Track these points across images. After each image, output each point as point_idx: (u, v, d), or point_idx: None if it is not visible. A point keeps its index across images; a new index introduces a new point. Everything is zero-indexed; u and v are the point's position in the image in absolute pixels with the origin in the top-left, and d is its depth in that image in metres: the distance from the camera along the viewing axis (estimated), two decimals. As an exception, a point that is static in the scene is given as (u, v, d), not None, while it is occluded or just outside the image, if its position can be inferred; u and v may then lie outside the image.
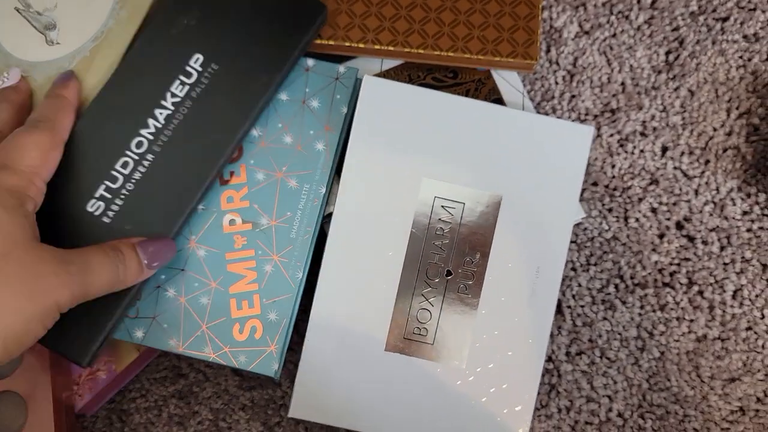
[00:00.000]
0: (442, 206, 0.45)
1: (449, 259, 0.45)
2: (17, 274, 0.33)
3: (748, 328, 0.48)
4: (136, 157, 0.42)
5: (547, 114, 0.52)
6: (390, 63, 0.50)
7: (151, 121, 0.42)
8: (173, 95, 0.42)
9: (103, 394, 0.48)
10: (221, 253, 0.44)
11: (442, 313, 0.45)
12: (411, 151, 0.45)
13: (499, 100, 0.49)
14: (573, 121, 0.52)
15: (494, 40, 0.47)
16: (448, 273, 0.45)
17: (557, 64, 0.53)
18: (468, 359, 0.44)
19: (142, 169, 0.42)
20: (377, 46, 0.47)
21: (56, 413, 0.44)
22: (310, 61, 0.47)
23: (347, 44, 0.47)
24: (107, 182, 0.41)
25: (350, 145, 0.45)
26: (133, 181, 0.41)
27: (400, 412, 0.44)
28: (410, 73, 0.50)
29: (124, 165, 0.41)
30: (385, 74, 0.50)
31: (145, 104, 0.42)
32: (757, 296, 0.49)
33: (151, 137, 0.42)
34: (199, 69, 0.43)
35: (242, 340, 0.43)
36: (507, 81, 0.50)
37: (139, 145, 0.42)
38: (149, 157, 0.42)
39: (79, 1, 0.44)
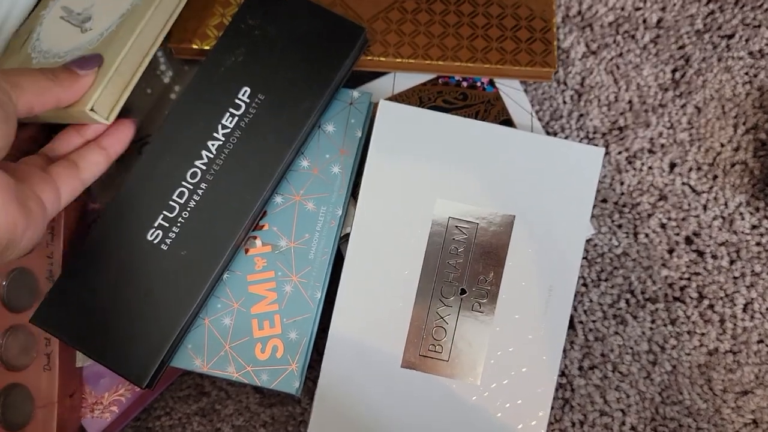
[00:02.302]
0: (457, 226, 0.46)
1: (464, 277, 0.46)
2: None
3: (760, 341, 0.49)
4: (191, 187, 0.44)
5: (555, 133, 0.53)
6: (401, 86, 0.51)
7: (204, 153, 0.44)
8: (224, 126, 0.45)
9: (129, 413, 0.50)
10: (243, 275, 0.46)
11: (456, 330, 0.46)
12: (425, 172, 0.47)
13: (508, 121, 0.51)
14: (581, 139, 0.53)
15: (512, 50, 0.49)
16: (463, 291, 0.46)
17: (565, 84, 0.54)
18: (483, 375, 0.45)
19: (196, 198, 0.44)
20: (398, 59, 0.49)
21: (60, 414, 0.46)
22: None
23: (369, 58, 0.49)
24: (165, 212, 0.44)
25: (367, 167, 0.46)
26: (188, 209, 0.44)
27: (417, 428, 0.45)
28: (421, 96, 0.51)
29: (180, 195, 0.44)
30: (396, 97, 0.51)
31: (199, 138, 0.45)
32: (767, 309, 0.50)
33: (204, 167, 0.44)
34: (247, 100, 0.45)
35: (264, 359, 0.45)
36: (515, 102, 0.51)
37: (193, 175, 0.44)
38: (203, 185, 0.44)
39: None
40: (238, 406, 0.51)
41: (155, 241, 0.43)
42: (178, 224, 0.43)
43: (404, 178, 0.47)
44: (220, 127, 0.45)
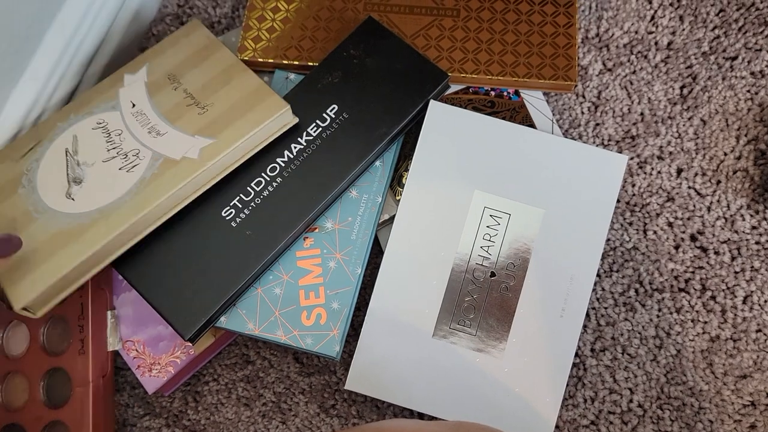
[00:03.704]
0: (491, 215, 0.52)
1: (495, 263, 0.52)
2: None
3: (758, 330, 0.54)
4: (268, 179, 0.51)
5: (574, 139, 0.59)
6: (437, 93, 0.58)
7: (286, 152, 0.52)
8: (308, 134, 0.52)
9: (181, 376, 0.55)
10: (292, 251, 0.52)
11: (484, 309, 0.51)
12: (466, 165, 0.53)
13: (531, 127, 0.57)
14: (597, 146, 0.59)
15: (538, 65, 0.56)
16: (492, 274, 0.51)
17: (583, 96, 0.60)
18: (506, 352, 0.50)
19: (270, 189, 0.51)
20: None
21: (94, 392, 0.52)
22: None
23: None
24: (242, 195, 0.51)
25: (414, 158, 0.53)
26: (261, 197, 0.50)
27: (443, 393, 0.50)
28: (453, 103, 0.57)
29: (258, 183, 0.51)
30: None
31: (287, 139, 0.52)
32: (766, 301, 0.54)
33: (283, 164, 0.51)
34: (333, 116, 0.52)
35: (309, 325, 0.50)
36: (539, 110, 0.57)
37: (272, 169, 0.51)
38: (278, 180, 0.51)
39: (109, 171, 0.50)
40: (280, 374, 0.56)
41: (227, 218, 0.50)
42: (250, 208, 0.50)
43: (447, 169, 0.53)
44: (305, 134, 0.52)
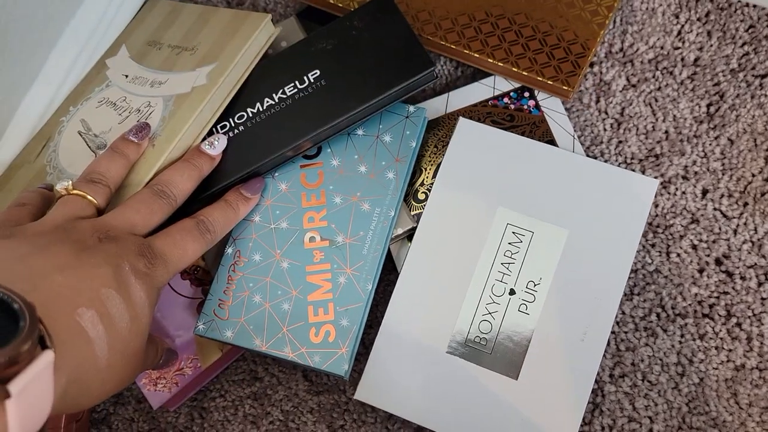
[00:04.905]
0: (513, 232, 0.51)
1: (514, 280, 0.50)
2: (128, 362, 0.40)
3: (785, 360, 0.51)
4: (233, 125, 0.52)
5: (595, 157, 0.57)
6: (454, 105, 0.56)
7: (257, 104, 0.52)
8: (283, 92, 0.52)
9: (187, 391, 0.54)
10: (302, 265, 0.50)
11: (502, 327, 0.49)
12: (491, 182, 0.52)
13: (551, 142, 0.55)
14: (620, 164, 0.57)
15: (543, 63, 0.55)
16: (512, 292, 0.50)
17: (606, 113, 0.58)
18: (522, 373, 0.49)
19: (231, 134, 0.52)
20: (443, 42, 0.57)
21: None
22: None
23: (420, 35, 0.57)
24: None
25: (440, 172, 0.53)
26: (235, 131, 0.52)
27: (455, 411, 0.48)
28: (471, 116, 0.56)
29: (223, 126, 0.52)
30: (448, 115, 0.56)
31: (263, 91, 0.53)
32: (793, 330, 0.52)
33: (251, 115, 0.52)
34: (312, 80, 0.52)
35: (317, 342, 0.49)
36: (560, 124, 0.55)
37: (240, 117, 0.52)
38: (240, 128, 0.52)
39: (129, 125, 0.52)
40: (288, 392, 0.55)
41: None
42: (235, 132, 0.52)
43: (471, 184, 0.52)
44: (280, 91, 0.52)
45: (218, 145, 0.50)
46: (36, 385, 0.29)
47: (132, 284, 0.39)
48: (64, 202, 0.43)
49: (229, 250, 0.52)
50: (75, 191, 0.44)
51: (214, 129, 0.52)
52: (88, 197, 0.44)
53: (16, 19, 0.51)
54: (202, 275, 0.55)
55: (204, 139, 0.51)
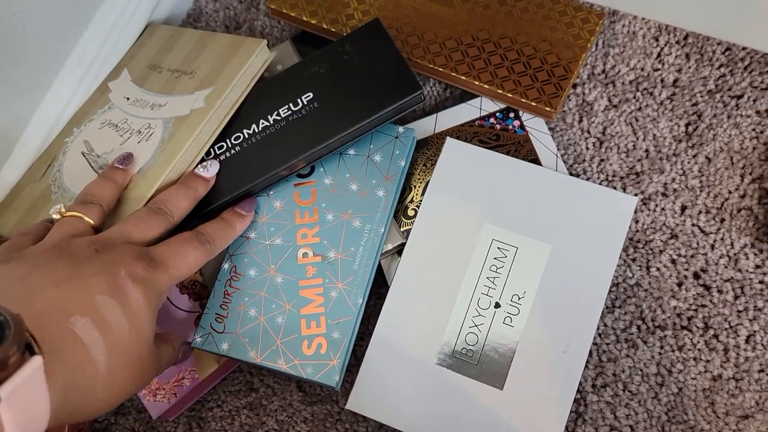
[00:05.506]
0: (498, 248, 0.53)
1: (500, 293, 0.52)
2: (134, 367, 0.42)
3: (761, 370, 0.53)
4: (230, 145, 0.55)
5: (578, 175, 0.59)
6: (442, 126, 0.59)
7: (253, 126, 0.55)
8: (278, 114, 0.55)
9: (185, 401, 0.56)
10: (295, 280, 0.53)
11: (487, 339, 0.51)
12: (477, 200, 0.55)
13: (535, 161, 0.57)
14: (602, 182, 0.59)
15: (526, 85, 0.57)
16: (497, 305, 0.52)
17: (588, 132, 0.60)
18: (507, 383, 0.51)
19: (228, 154, 0.54)
20: (431, 65, 0.59)
21: None
22: (376, 123, 0.56)
23: (407, 57, 0.60)
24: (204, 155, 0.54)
25: (428, 190, 0.55)
26: (219, 160, 0.54)
27: (443, 420, 0.50)
28: (459, 136, 0.58)
29: (220, 147, 0.55)
30: (436, 135, 0.59)
31: (259, 113, 0.55)
32: (768, 342, 0.54)
33: (247, 136, 0.54)
34: (305, 103, 0.55)
35: (310, 354, 0.51)
36: (543, 144, 0.58)
37: (237, 138, 0.55)
38: (236, 148, 0.54)
39: (130, 148, 0.54)
40: (283, 402, 0.57)
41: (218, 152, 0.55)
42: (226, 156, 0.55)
43: (458, 202, 0.55)
44: (275, 113, 0.55)
45: (211, 168, 0.52)
46: (27, 390, 0.31)
47: (129, 289, 0.41)
48: (61, 224, 0.46)
49: (226, 266, 0.54)
50: (69, 213, 0.46)
51: (211, 149, 0.54)
52: (84, 217, 0.46)
53: (24, 46, 0.53)
54: (200, 290, 0.57)
55: (199, 162, 0.53)
